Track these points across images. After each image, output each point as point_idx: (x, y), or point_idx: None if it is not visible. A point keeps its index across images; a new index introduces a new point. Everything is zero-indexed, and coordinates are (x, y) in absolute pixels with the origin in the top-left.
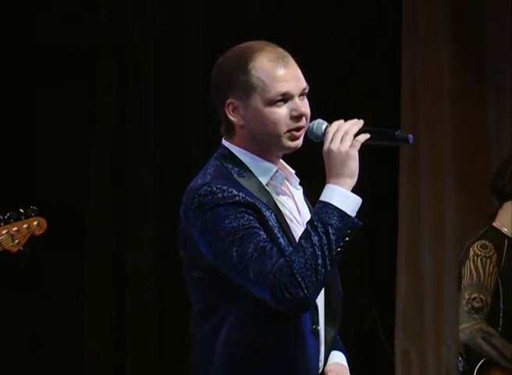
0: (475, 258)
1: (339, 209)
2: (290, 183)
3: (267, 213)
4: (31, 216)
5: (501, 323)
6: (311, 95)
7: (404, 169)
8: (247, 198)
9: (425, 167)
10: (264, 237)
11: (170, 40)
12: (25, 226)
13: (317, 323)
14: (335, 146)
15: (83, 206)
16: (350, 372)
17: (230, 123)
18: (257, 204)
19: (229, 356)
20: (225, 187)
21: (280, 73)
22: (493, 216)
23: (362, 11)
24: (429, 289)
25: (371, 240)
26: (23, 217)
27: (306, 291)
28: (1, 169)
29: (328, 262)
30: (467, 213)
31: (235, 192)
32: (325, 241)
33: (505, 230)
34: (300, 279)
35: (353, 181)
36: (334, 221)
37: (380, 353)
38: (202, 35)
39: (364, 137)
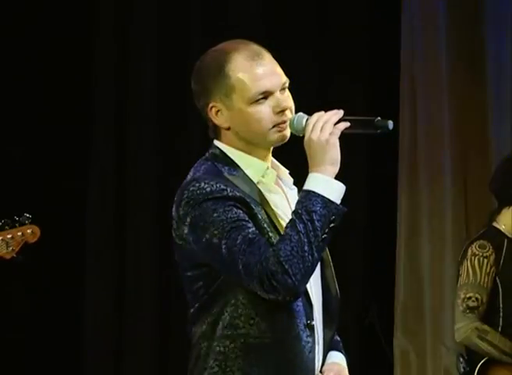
0: (473, 257)
1: (323, 196)
2: (284, 183)
3: (256, 209)
4: (25, 224)
5: (500, 322)
6: (312, 95)
7: (404, 168)
8: (235, 192)
9: (425, 167)
10: (253, 229)
11: (170, 37)
12: (19, 233)
13: (311, 318)
14: (315, 135)
15: (83, 206)
16: (349, 372)
17: (216, 126)
18: (245, 198)
19: (221, 353)
20: (213, 182)
21: (257, 71)
22: (493, 215)
23: (362, 11)
24: (428, 289)
25: (371, 240)
26: (17, 224)
27: (294, 278)
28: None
29: (314, 249)
30: (466, 213)
31: (223, 187)
32: (311, 228)
33: (503, 227)
34: (287, 266)
35: (335, 168)
36: (318, 208)
37: (379, 353)
38: (202, 34)
39: (344, 125)
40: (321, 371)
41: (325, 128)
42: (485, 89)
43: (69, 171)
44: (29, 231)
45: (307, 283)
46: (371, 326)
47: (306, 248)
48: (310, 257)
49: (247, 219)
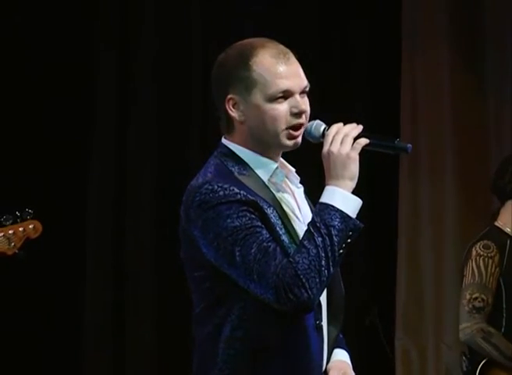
0: (477, 258)
1: (341, 211)
2: (291, 182)
3: (268, 210)
4: (27, 219)
5: (504, 323)
6: (311, 96)
7: (404, 168)
8: (248, 195)
9: (425, 167)
10: (267, 236)
11: (170, 40)
12: (21, 229)
13: (320, 318)
14: (335, 148)
15: (83, 206)
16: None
17: (230, 119)
18: (258, 201)
19: (232, 355)
20: (226, 185)
21: (282, 70)
22: (495, 215)
23: (362, 12)
24: (429, 289)
25: (371, 240)
26: (19, 220)
27: (310, 292)
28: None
29: (331, 264)
30: (467, 213)
31: (236, 190)
32: (329, 243)
33: (508, 229)
34: (304, 280)
35: (353, 183)
36: (336, 222)
37: (380, 352)
38: (202, 34)
39: (365, 141)
40: (326, 368)
41: (346, 141)
42: (485, 89)
43: (70, 166)
44: (31, 226)
45: (320, 297)
46: (372, 326)
47: (323, 262)
48: (326, 271)
49: (260, 224)
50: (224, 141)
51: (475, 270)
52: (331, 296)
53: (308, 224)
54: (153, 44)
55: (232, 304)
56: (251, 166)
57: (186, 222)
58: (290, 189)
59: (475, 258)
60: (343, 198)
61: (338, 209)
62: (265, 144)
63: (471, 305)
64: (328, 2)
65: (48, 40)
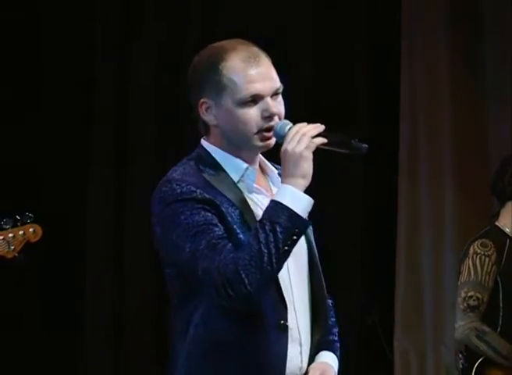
0: (474, 256)
1: (289, 208)
2: (272, 182)
3: (229, 209)
4: (27, 223)
5: (500, 322)
6: (311, 97)
7: (404, 169)
8: (204, 194)
9: (425, 167)
10: (219, 233)
11: (170, 40)
12: (21, 232)
13: (285, 318)
14: (290, 147)
15: (83, 209)
16: (350, 372)
17: (205, 122)
18: (215, 200)
19: (192, 353)
20: (183, 184)
21: (251, 73)
22: (495, 215)
23: (361, 13)
24: (428, 289)
25: (371, 240)
26: (19, 224)
27: (249, 288)
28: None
29: (274, 260)
30: (466, 214)
31: (193, 188)
32: (272, 239)
33: (507, 230)
34: (243, 275)
35: (305, 182)
36: (282, 220)
37: (379, 353)
38: (202, 34)
39: (321, 140)
40: (307, 370)
41: (302, 141)
42: (485, 88)
43: (70, 169)
44: (31, 230)
45: (262, 292)
46: (372, 327)
47: (265, 258)
48: (269, 267)
49: (214, 222)
50: (203, 141)
51: (471, 268)
52: (314, 301)
53: (257, 222)
54: (152, 44)
55: (197, 302)
56: (224, 166)
57: (152, 218)
58: (271, 189)
59: (472, 256)
60: (292, 196)
61: (286, 207)
62: (238, 147)
63: (465, 304)
64: (327, 2)
65: (47, 40)
